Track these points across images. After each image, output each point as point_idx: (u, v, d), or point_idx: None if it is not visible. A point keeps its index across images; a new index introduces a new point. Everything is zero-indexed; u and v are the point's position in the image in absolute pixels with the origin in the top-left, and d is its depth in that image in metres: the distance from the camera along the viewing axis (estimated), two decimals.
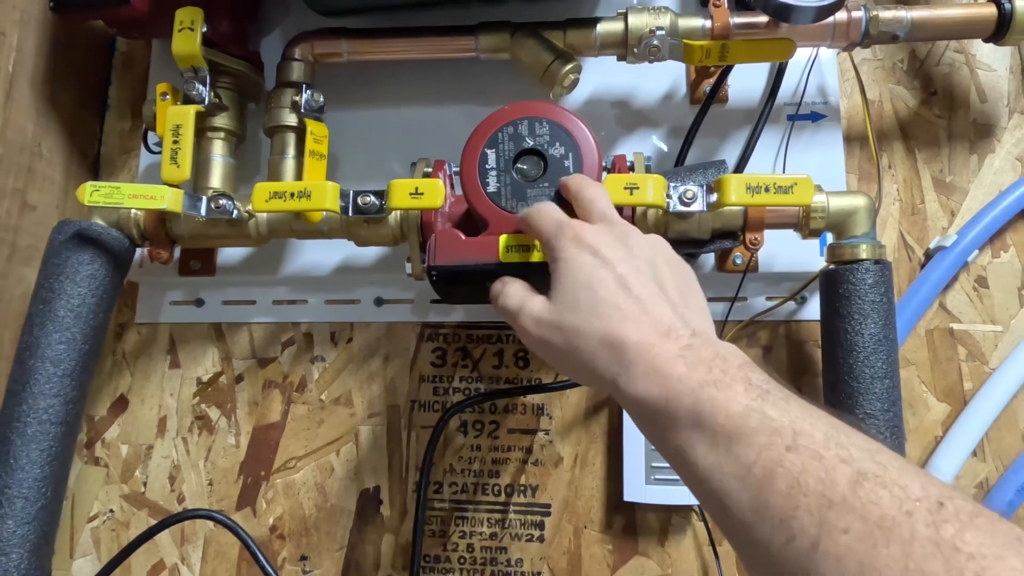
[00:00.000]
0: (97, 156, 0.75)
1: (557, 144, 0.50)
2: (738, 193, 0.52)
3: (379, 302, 0.69)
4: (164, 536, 0.67)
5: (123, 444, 0.69)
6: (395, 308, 0.69)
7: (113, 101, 0.76)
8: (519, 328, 0.42)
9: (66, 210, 0.70)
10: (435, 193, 0.54)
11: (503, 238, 0.48)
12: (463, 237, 0.49)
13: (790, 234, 0.60)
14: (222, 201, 0.58)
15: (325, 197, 0.55)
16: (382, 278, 0.68)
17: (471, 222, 0.54)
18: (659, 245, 0.42)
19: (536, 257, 0.48)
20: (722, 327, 0.64)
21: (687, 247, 0.59)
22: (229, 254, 0.69)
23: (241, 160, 0.67)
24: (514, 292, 0.43)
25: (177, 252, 0.69)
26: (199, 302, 0.71)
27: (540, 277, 0.49)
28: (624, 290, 0.37)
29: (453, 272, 0.49)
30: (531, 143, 0.50)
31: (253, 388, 0.69)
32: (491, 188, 0.50)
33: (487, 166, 0.50)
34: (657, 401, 0.33)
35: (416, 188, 0.54)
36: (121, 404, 0.70)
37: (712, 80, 0.66)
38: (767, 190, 0.52)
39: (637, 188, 0.52)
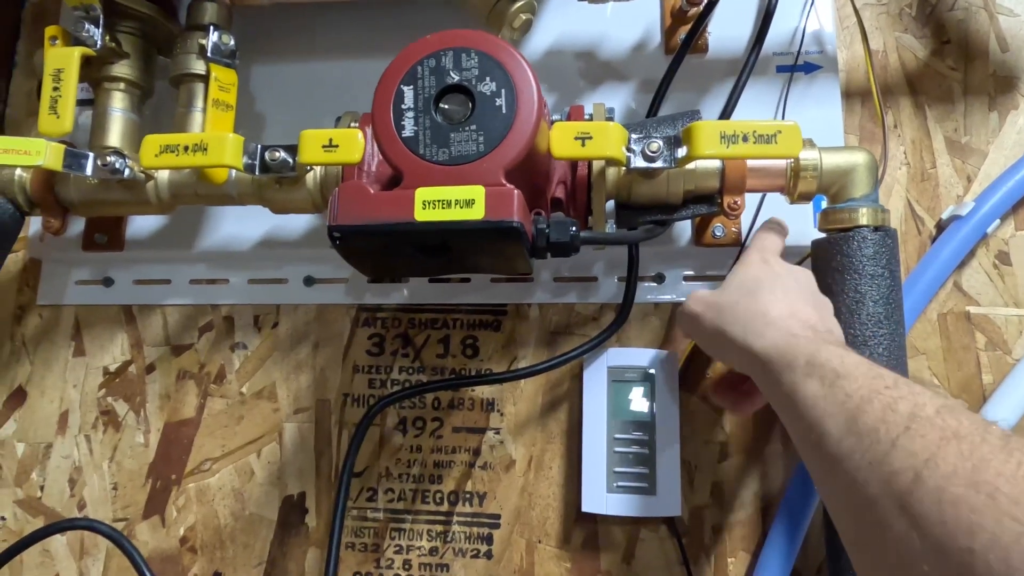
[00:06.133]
0: (1, 118, 0.67)
1: (487, 79, 0.41)
2: (710, 143, 0.43)
3: (309, 281, 0.60)
4: (61, 548, 0.58)
5: (19, 442, 0.61)
6: (327, 288, 0.60)
7: (21, 57, 0.68)
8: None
9: None
10: (352, 145, 0.45)
11: (420, 192, 0.40)
12: (371, 191, 0.40)
13: (780, 201, 0.51)
14: (111, 158, 0.50)
15: (225, 151, 0.47)
16: (312, 254, 0.59)
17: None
18: None
19: (459, 215, 0.39)
20: None
21: (656, 213, 0.50)
22: (139, 226, 0.61)
23: (159, 123, 0.58)
24: None
25: (82, 223, 0.61)
26: (107, 281, 0.62)
27: (463, 239, 0.40)
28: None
29: (360, 233, 0.40)
30: (456, 78, 0.41)
31: (166, 379, 0.60)
32: (407, 132, 0.41)
33: (403, 106, 0.41)
34: (779, 349, 0.38)
35: (330, 140, 0.45)
36: (19, 397, 0.61)
37: (689, 26, 0.57)
38: (745, 139, 0.43)
39: (590, 138, 0.43)
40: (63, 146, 0.49)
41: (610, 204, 0.51)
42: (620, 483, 0.52)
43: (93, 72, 0.54)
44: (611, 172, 0.48)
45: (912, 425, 0.30)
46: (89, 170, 0.50)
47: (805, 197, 0.49)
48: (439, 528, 0.56)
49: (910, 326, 0.54)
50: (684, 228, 0.56)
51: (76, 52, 0.50)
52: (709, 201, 0.50)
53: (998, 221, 0.54)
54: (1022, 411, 0.52)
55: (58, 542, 0.58)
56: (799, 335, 0.38)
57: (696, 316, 0.45)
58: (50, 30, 0.53)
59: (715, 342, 0.44)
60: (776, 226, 0.50)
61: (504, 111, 0.41)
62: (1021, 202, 0.55)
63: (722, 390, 0.50)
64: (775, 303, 0.41)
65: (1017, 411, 0.51)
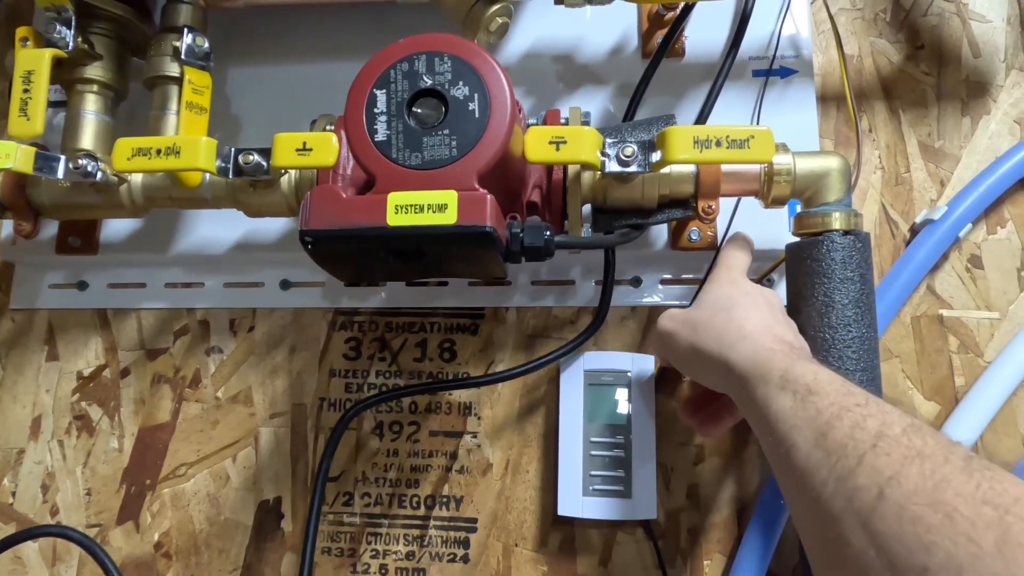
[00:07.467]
0: None
1: (460, 84, 0.41)
2: (684, 148, 0.43)
3: (285, 285, 0.60)
4: (33, 555, 0.58)
5: None
6: (304, 292, 0.60)
7: None
8: None
9: None
10: (326, 149, 0.45)
11: (392, 196, 0.39)
12: (343, 196, 0.40)
13: (755, 206, 0.51)
14: (83, 161, 0.50)
15: (198, 154, 0.46)
16: (288, 257, 0.59)
17: None
18: None
19: (431, 219, 0.39)
20: None
21: (632, 217, 0.50)
22: (113, 229, 0.60)
23: (133, 126, 0.58)
24: None
25: (56, 226, 0.60)
26: (81, 285, 0.62)
27: (437, 244, 0.40)
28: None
29: (331, 238, 0.40)
30: (429, 82, 0.41)
31: (140, 384, 0.60)
32: (380, 136, 0.41)
33: (376, 110, 0.41)
34: (754, 362, 0.38)
35: (304, 143, 0.45)
36: None
37: (666, 31, 0.57)
38: (718, 144, 0.43)
39: (564, 142, 0.44)
40: (34, 148, 0.49)
41: (586, 208, 0.51)
42: (596, 486, 0.52)
43: (65, 74, 0.54)
44: (586, 176, 0.48)
45: (879, 443, 0.30)
46: (61, 173, 0.50)
47: (779, 201, 0.49)
48: (416, 532, 0.56)
49: (883, 329, 0.54)
50: (660, 232, 0.56)
51: (47, 54, 0.50)
52: (684, 205, 0.50)
53: (970, 225, 0.55)
54: (993, 413, 0.52)
55: (30, 549, 0.58)
56: (774, 349, 0.39)
57: (671, 333, 0.45)
58: (21, 31, 0.53)
59: (690, 359, 0.44)
60: (742, 242, 0.50)
61: (477, 115, 0.41)
62: (993, 206, 0.56)
63: (690, 411, 0.50)
64: (749, 319, 0.42)
65: (989, 413, 0.52)
